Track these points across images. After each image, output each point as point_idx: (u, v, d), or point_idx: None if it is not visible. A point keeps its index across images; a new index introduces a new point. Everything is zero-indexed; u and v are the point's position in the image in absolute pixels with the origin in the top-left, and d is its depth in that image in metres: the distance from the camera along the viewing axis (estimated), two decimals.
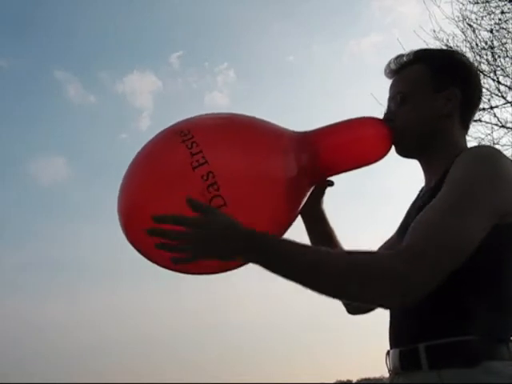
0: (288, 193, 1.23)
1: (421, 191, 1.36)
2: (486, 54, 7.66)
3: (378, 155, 1.35)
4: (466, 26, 7.64)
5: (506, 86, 7.65)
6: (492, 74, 7.66)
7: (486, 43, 7.64)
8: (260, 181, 1.19)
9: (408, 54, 1.34)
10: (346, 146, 1.33)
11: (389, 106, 1.36)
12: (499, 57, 7.65)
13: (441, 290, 1.05)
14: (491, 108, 7.65)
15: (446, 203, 1.10)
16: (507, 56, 7.62)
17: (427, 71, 1.30)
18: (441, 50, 1.44)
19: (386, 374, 1.27)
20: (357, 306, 1.43)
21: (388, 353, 1.25)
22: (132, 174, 1.20)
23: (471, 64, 1.37)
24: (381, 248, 1.43)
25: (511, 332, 1.15)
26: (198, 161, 1.12)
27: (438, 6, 7.63)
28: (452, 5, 7.76)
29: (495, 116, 7.64)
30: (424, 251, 1.04)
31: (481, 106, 7.60)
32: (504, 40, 7.61)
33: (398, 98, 1.32)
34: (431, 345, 1.12)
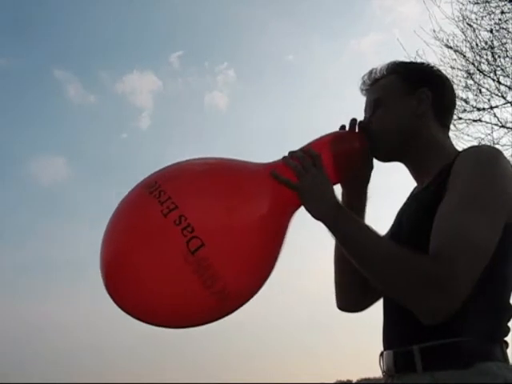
0: (266, 227, 1.22)
1: (412, 193, 1.36)
2: (486, 54, 7.68)
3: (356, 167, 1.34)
4: (466, 26, 7.66)
5: (506, 85, 7.66)
6: (492, 74, 7.67)
7: (486, 43, 7.65)
8: (235, 219, 1.18)
9: (380, 69, 1.37)
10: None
11: (364, 116, 1.38)
12: (499, 57, 7.67)
13: None
14: (491, 108, 7.67)
15: (466, 205, 1.10)
16: (507, 56, 7.63)
17: (398, 78, 1.33)
18: (412, 62, 1.49)
19: None
20: (353, 302, 1.43)
21: (382, 354, 1.25)
22: (109, 233, 1.21)
23: (441, 71, 1.39)
24: None
25: (504, 332, 1.15)
26: (168, 207, 1.13)
27: (438, 6, 7.64)
28: (452, 5, 7.75)
29: (495, 116, 7.67)
30: (458, 254, 1.05)
31: (481, 106, 7.68)
32: (504, 40, 7.62)
33: (372, 104, 1.34)
34: (425, 347, 1.12)
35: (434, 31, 7.65)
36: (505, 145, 7.57)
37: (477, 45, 7.65)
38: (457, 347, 1.10)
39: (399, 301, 1.13)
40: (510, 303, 1.17)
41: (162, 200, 1.15)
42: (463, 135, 7.57)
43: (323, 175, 1.25)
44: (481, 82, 7.71)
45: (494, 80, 7.66)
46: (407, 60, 1.49)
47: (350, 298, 1.43)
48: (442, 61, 7.62)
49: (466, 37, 7.65)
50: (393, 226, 1.35)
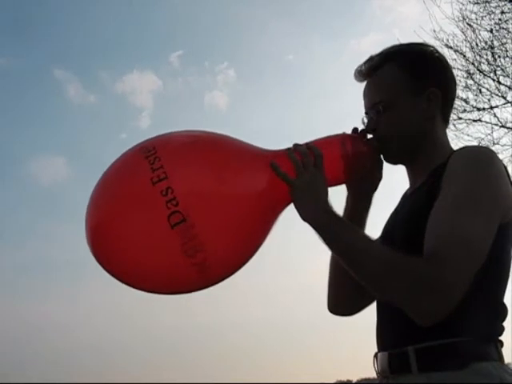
0: (254, 212, 1.21)
1: (406, 193, 1.35)
2: (486, 54, 7.68)
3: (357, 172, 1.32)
4: (466, 25, 7.65)
5: (506, 85, 7.65)
6: (492, 74, 7.67)
7: (486, 43, 7.64)
8: (225, 198, 1.18)
9: (379, 54, 1.31)
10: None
11: (369, 116, 1.32)
12: (499, 57, 7.66)
13: None
14: (491, 108, 7.66)
15: (460, 204, 1.09)
16: (507, 56, 7.62)
17: (402, 74, 1.28)
18: (409, 45, 1.36)
19: None
20: (346, 304, 1.42)
21: (376, 355, 1.24)
22: (98, 191, 1.21)
23: (441, 55, 1.34)
24: None
25: (499, 332, 1.15)
26: (158, 176, 1.13)
27: (438, 6, 7.63)
28: (452, 5, 7.73)
29: (495, 116, 7.66)
30: (453, 255, 1.04)
31: (481, 106, 7.68)
32: (504, 40, 7.61)
33: (379, 107, 1.28)
34: (420, 347, 1.11)
35: (434, 31, 7.65)
36: (505, 145, 7.59)
37: (477, 45, 7.65)
38: (452, 348, 1.09)
39: (393, 303, 1.12)
40: (504, 303, 1.16)
41: (154, 167, 1.14)
42: (463, 135, 7.55)
43: (321, 177, 1.23)
44: (481, 82, 7.71)
45: (494, 80, 7.65)
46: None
47: (341, 301, 1.41)
48: None
49: (465, 37, 7.65)
50: (386, 226, 1.34)
